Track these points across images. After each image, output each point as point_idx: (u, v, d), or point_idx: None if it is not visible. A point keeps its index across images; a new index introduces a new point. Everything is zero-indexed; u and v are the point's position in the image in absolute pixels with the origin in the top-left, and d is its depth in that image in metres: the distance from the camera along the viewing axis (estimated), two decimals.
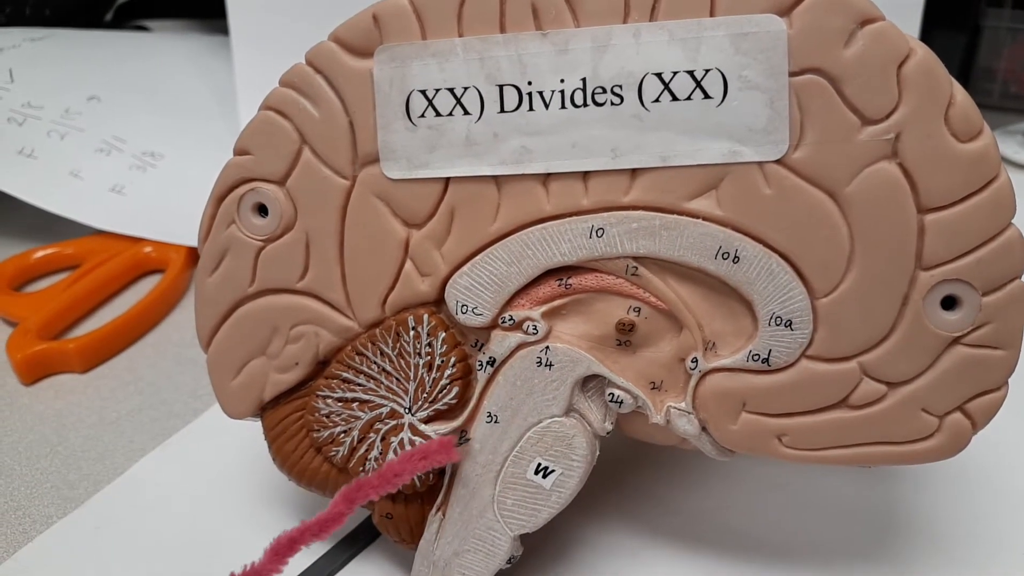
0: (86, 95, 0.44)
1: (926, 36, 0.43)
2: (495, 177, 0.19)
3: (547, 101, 0.19)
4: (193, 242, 0.38)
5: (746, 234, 0.18)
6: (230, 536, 0.25)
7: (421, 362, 0.20)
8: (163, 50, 0.51)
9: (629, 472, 0.26)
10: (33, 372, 0.32)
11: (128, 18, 0.64)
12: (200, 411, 0.30)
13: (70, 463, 0.28)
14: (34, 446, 0.29)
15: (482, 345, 0.20)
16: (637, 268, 0.19)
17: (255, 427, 0.27)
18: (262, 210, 0.21)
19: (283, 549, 0.18)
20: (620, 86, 0.18)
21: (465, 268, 0.20)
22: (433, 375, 0.20)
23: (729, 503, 0.25)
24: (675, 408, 0.20)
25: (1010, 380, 0.19)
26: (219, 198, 0.21)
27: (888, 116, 0.17)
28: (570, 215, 0.19)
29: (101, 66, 0.46)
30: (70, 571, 0.24)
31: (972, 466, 0.26)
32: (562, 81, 0.18)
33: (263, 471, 0.27)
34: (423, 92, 0.19)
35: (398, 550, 0.24)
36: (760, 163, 0.18)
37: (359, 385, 0.21)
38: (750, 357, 0.19)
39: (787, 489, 0.26)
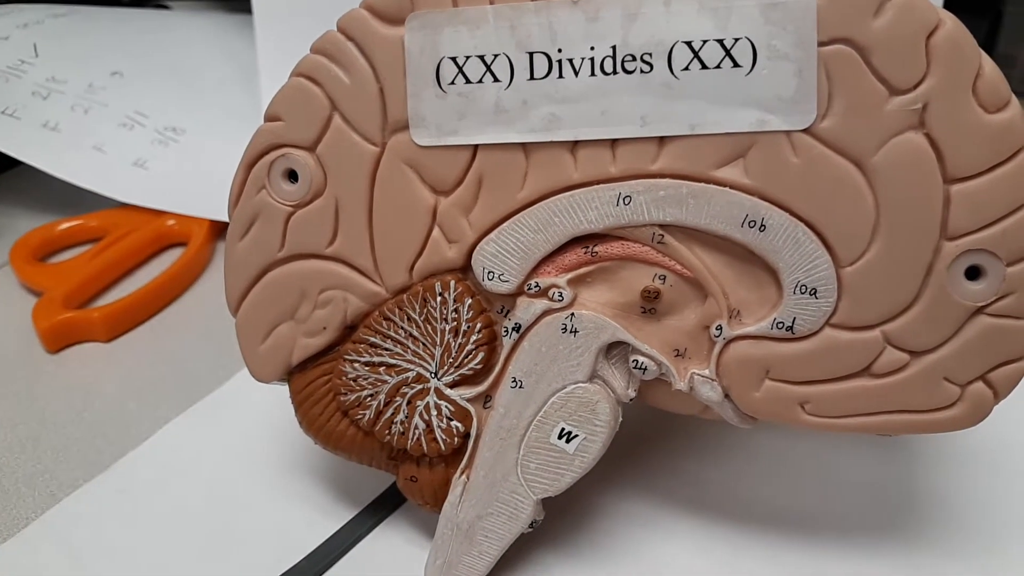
0: (109, 70, 0.44)
1: None
2: (523, 144, 0.20)
3: (577, 69, 0.19)
4: (215, 215, 0.38)
5: (773, 203, 0.19)
6: (250, 501, 0.26)
7: (447, 327, 0.21)
8: (184, 27, 0.51)
9: (649, 444, 0.27)
10: (58, 340, 0.32)
11: None
12: (223, 380, 0.31)
13: (95, 429, 0.29)
14: (60, 412, 0.30)
15: (508, 311, 0.21)
16: (663, 236, 0.19)
17: (276, 397, 0.28)
18: (292, 176, 0.21)
19: None
20: (650, 54, 0.18)
21: (492, 235, 0.20)
22: (459, 340, 0.21)
23: (746, 476, 0.26)
24: (699, 375, 0.20)
25: None
26: (250, 164, 0.21)
27: (916, 86, 0.18)
28: (597, 183, 0.19)
29: (124, 42, 0.47)
30: (95, 532, 0.25)
31: (993, 441, 0.26)
32: (592, 49, 0.19)
33: (283, 439, 0.27)
34: (453, 59, 0.19)
35: (422, 516, 0.24)
36: (788, 132, 0.18)
37: (386, 350, 0.21)
38: (774, 325, 0.19)
39: (804, 463, 0.26)
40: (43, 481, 0.27)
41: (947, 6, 0.41)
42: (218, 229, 0.39)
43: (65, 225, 0.39)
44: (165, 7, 0.60)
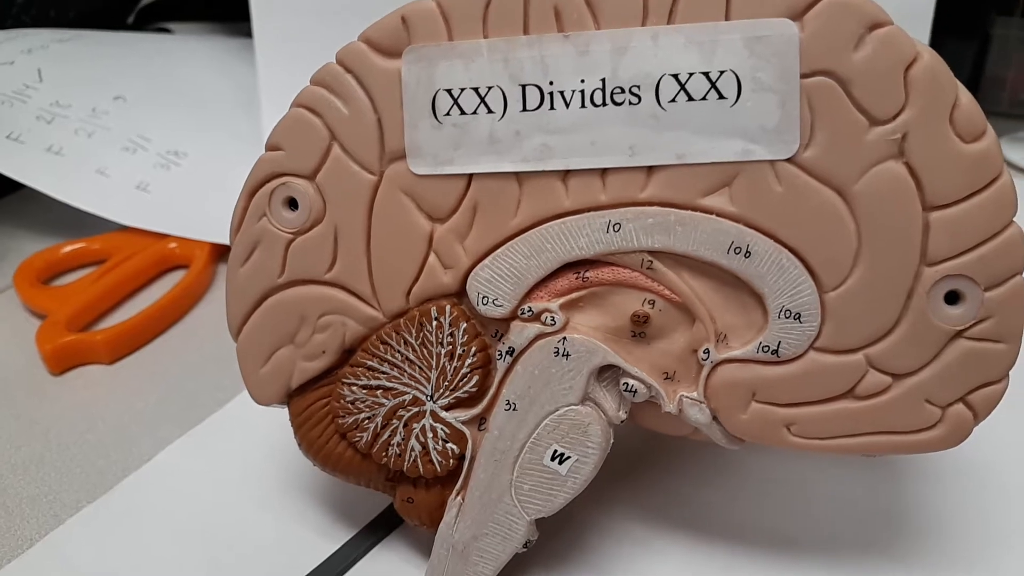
0: (112, 95, 0.45)
1: (936, 44, 0.43)
2: (516, 173, 0.20)
3: (568, 100, 0.19)
4: (217, 238, 0.39)
5: (758, 230, 0.19)
6: (250, 521, 0.26)
7: (443, 351, 0.21)
8: (186, 51, 0.52)
9: (641, 465, 0.27)
10: (62, 363, 0.33)
11: (150, 20, 0.65)
12: (224, 402, 0.31)
13: (98, 450, 0.29)
14: (63, 434, 0.30)
15: (501, 335, 0.21)
16: (652, 262, 0.20)
17: (276, 418, 0.28)
18: (292, 204, 0.22)
19: None
20: (638, 86, 0.19)
21: (486, 261, 0.21)
22: (454, 364, 0.21)
23: (738, 496, 0.26)
24: (687, 398, 0.20)
25: (1011, 373, 0.19)
26: (251, 192, 0.22)
27: (895, 117, 0.18)
28: (588, 210, 0.20)
29: (127, 67, 0.47)
30: (98, 553, 0.25)
31: (978, 462, 0.27)
32: (582, 81, 0.19)
33: (283, 460, 0.28)
34: (449, 91, 0.20)
35: (418, 538, 0.25)
36: (772, 162, 0.19)
37: (383, 373, 0.22)
38: (760, 349, 0.20)
39: (795, 484, 0.27)
40: (46, 502, 0.27)
41: (936, 30, 0.42)
42: (219, 252, 0.39)
43: (68, 248, 0.39)
44: (167, 31, 0.61)
